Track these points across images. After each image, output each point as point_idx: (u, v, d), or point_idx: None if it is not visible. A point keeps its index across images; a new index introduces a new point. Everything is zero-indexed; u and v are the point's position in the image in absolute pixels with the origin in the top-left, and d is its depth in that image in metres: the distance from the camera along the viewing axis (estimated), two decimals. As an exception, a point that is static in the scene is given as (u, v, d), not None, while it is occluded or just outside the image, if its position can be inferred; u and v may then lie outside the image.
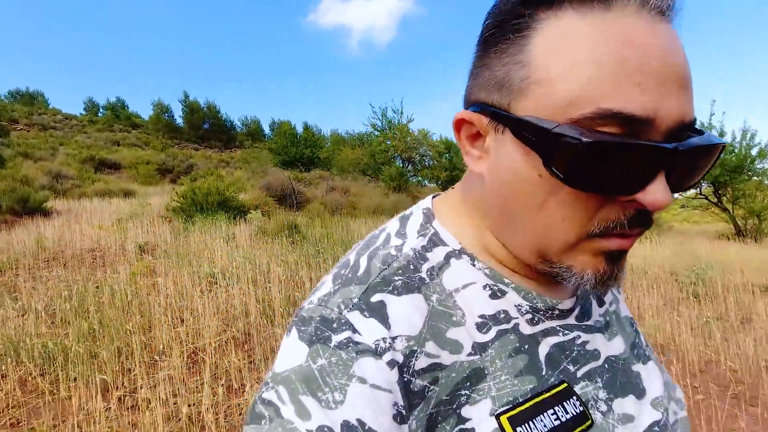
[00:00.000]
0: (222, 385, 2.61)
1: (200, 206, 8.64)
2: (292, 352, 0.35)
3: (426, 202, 0.48)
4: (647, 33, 0.31)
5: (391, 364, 0.35)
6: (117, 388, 2.59)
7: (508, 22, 0.35)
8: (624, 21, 0.31)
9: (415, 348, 0.36)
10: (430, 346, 0.37)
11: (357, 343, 0.35)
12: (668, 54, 0.31)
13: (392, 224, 0.47)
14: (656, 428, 0.42)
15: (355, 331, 0.35)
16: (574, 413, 0.38)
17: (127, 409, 2.44)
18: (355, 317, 0.36)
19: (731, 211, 14.17)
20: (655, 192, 0.32)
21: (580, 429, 0.38)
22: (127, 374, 2.76)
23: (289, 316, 3.66)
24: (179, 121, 40.52)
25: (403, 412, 0.34)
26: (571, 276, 0.37)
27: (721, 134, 13.48)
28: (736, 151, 13.57)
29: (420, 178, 21.36)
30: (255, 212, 8.85)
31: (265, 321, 3.56)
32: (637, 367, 0.46)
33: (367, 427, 0.32)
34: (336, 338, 0.35)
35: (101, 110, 42.59)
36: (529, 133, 0.33)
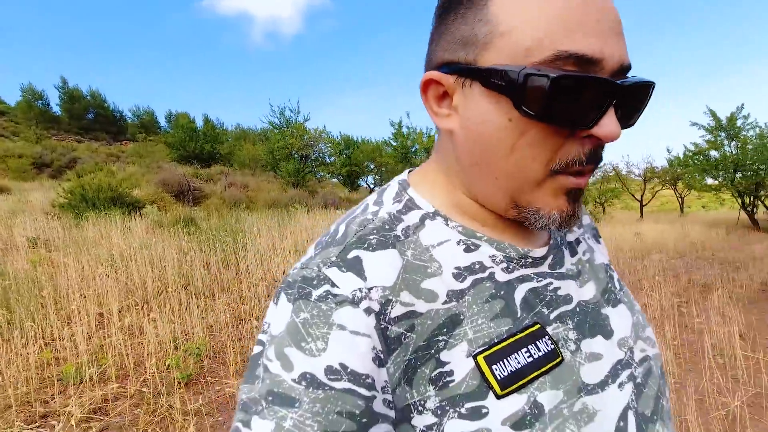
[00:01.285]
0: (127, 330, 3.54)
1: (91, 202, 8.83)
2: (281, 313, 0.38)
3: (402, 175, 0.51)
4: None
5: (368, 311, 0.37)
6: (36, 341, 3.37)
7: None
8: None
9: (390, 297, 0.39)
10: (405, 296, 0.39)
11: (335, 295, 0.37)
12: (605, 6, 0.37)
13: (371, 196, 0.50)
14: (619, 366, 0.45)
15: (333, 284, 0.38)
16: (546, 351, 0.41)
17: (51, 350, 3.27)
18: (333, 273, 0.39)
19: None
20: (608, 124, 0.37)
21: (551, 365, 0.40)
22: (42, 332, 3.53)
23: (179, 287, 4.60)
24: (56, 109, 36.68)
25: (382, 356, 0.37)
26: (539, 218, 0.42)
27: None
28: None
29: (323, 174, 22.41)
30: (151, 207, 9.26)
31: (161, 288, 4.48)
32: (607, 310, 0.49)
33: (349, 370, 0.35)
34: (316, 293, 0.38)
35: (-48, 94, 36.88)
36: (498, 80, 0.37)
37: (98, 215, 7.92)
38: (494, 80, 0.37)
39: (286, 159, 17.66)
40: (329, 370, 0.34)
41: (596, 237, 0.60)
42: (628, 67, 0.38)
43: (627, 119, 0.40)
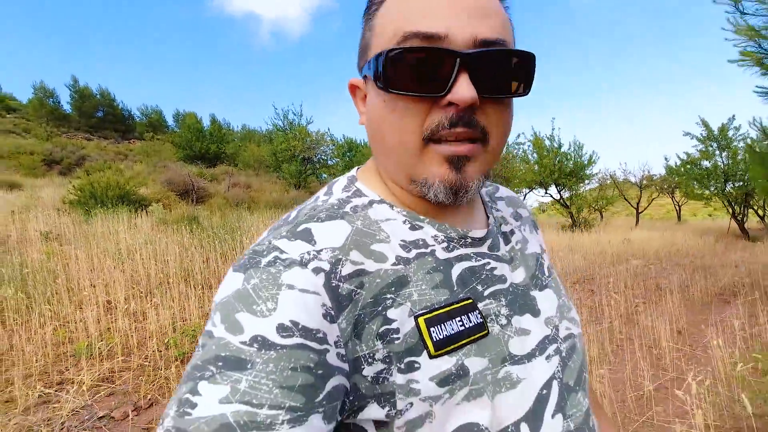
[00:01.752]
0: (132, 315, 3.97)
1: (100, 200, 9.29)
2: (229, 282, 0.39)
3: (351, 172, 0.56)
4: None
5: (317, 271, 0.39)
6: (52, 322, 3.80)
7: (371, 5, 0.48)
8: None
9: (340, 257, 0.41)
10: (355, 255, 0.42)
11: (284, 259, 0.39)
12: None
13: (322, 189, 0.54)
14: (546, 341, 0.50)
15: (282, 251, 0.40)
16: (476, 322, 0.45)
17: (65, 331, 3.70)
18: (281, 243, 0.41)
19: (569, 206, 17.76)
20: (459, 90, 0.40)
21: (478, 335, 0.45)
22: (56, 316, 3.97)
23: (180, 279, 5.04)
24: (67, 107, 37.39)
25: (333, 312, 0.39)
26: (429, 188, 0.45)
27: (560, 145, 16.92)
28: (572, 159, 17.08)
29: (326, 176, 22.87)
30: (156, 205, 9.72)
31: (163, 279, 4.92)
32: (535, 293, 0.54)
33: (300, 326, 0.36)
34: (264, 260, 0.40)
35: (-35, 90, 37.71)
36: (371, 70, 0.45)
37: (106, 212, 8.38)
38: (369, 71, 0.45)
39: (289, 161, 18.12)
40: (281, 328, 0.35)
41: (534, 228, 0.66)
42: (489, 42, 0.42)
43: (493, 85, 0.43)
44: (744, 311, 4.23)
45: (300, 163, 18.18)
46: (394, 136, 0.45)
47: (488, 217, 0.58)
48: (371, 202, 0.49)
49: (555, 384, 0.48)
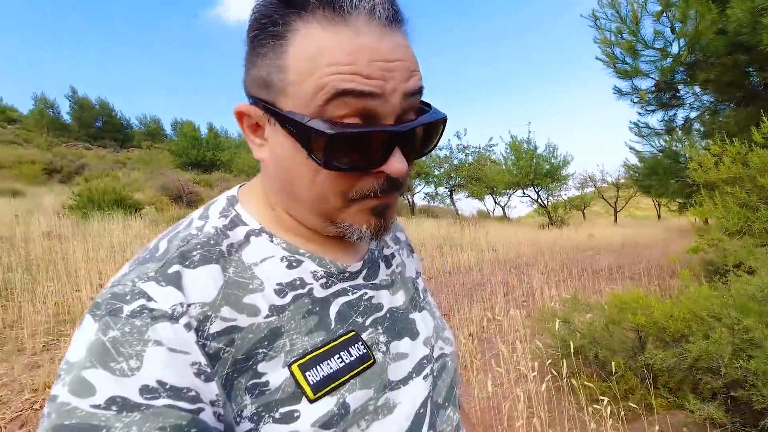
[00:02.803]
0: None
1: (97, 204, 10.09)
2: (82, 334, 0.35)
3: (232, 191, 0.53)
4: (375, 39, 0.40)
5: (188, 327, 0.37)
6: (52, 298, 4.60)
7: (267, 28, 0.42)
8: (357, 31, 0.40)
9: (209, 313, 0.39)
10: (226, 311, 0.40)
11: (152, 309, 0.36)
12: (391, 53, 0.41)
13: (197, 211, 0.50)
14: (425, 361, 0.53)
15: (150, 299, 0.36)
16: (359, 354, 0.45)
17: (64, 304, 4.51)
18: (149, 287, 0.37)
19: (547, 206, 18.58)
20: (394, 163, 0.42)
21: (363, 366, 0.45)
22: (57, 293, 4.77)
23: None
24: (67, 118, 38.34)
25: (208, 370, 0.37)
26: (353, 231, 0.46)
27: (536, 147, 17.77)
28: (548, 160, 17.92)
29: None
30: (149, 208, 10.53)
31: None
32: (414, 315, 0.57)
33: (168, 386, 0.33)
34: (128, 308, 0.35)
35: (-33, 103, 38.67)
36: (290, 126, 0.41)
37: (103, 214, 9.18)
38: (288, 126, 0.41)
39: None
40: (145, 389, 0.33)
41: (411, 252, 0.70)
42: (414, 92, 0.43)
43: (419, 151, 0.47)
44: (628, 282, 5.04)
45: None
46: (317, 193, 0.44)
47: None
48: (249, 235, 0.48)
49: (429, 403, 0.51)
